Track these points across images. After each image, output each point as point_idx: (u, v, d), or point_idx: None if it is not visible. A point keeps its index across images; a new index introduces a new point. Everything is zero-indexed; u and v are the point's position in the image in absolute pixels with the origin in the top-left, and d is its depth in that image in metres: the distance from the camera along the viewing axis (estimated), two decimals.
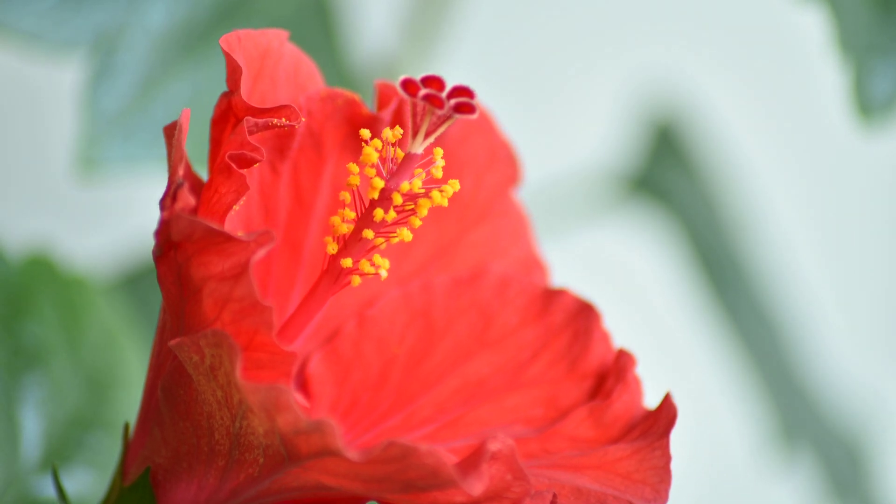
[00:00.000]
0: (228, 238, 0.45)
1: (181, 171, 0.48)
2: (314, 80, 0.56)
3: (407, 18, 1.14)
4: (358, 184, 0.52)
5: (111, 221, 1.18)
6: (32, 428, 0.69)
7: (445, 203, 0.52)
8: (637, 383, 0.54)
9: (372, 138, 0.53)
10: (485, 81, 1.40)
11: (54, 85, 0.98)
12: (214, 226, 0.46)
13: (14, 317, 0.70)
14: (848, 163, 1.57)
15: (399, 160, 0.52)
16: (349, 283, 0.52)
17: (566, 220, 1.22)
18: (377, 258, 0.53)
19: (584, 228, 1.25)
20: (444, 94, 0.51)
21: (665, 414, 0.52)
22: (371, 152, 0.52)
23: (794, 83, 1.55)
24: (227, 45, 0.51)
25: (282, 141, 0.55)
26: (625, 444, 0.52)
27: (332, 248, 0.52)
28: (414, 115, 0.52)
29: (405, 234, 0.52)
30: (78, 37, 0.75)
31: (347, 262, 0.52)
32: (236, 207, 0.50)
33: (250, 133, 0.50)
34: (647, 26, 1.53)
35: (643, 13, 1.53)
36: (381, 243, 0.53)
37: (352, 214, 0.53)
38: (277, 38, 0.54)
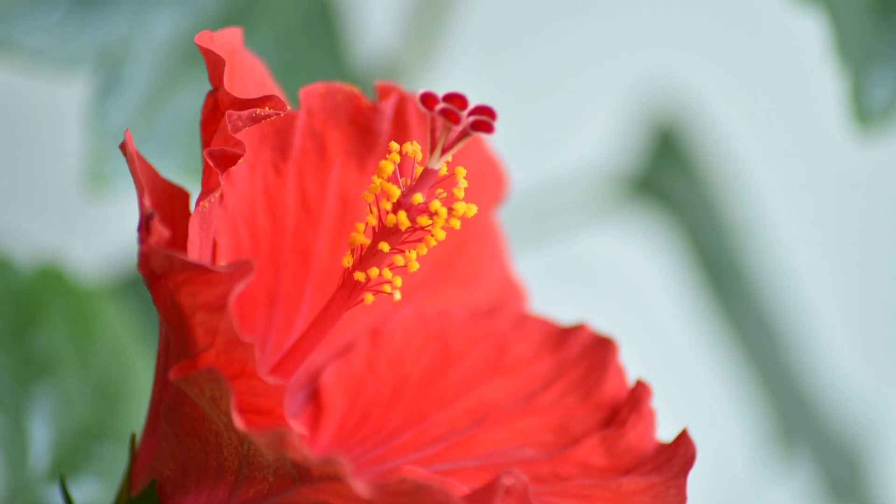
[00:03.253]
0: (209, 270, 0.45)
1: (147, 200, 0.48)
2: (266, 76, 0.56)
3: (409, 21, 1.14)
4: (377, 194, 0.52)
5: (114, 224, 1.19)
6: (41, 437, 0.69)
7: (458, 225, 0.52)
8: (651, 414, 0.54)
9: (390, 152, 0.52)
10: (486, 82, 1.40)
11: (64, 99, 0.98)
12: (191, 260, 0.45)
13: (24, 327, 0.70)
14: (848, 167, 1.58)
15: (417, 174, 0.52)
16: (363, 300, 0.52)
17: (567, 221, 1.22)
18: (387, 273, 0.52)
19: (584, 229, 1.25)
20: (464, 112, 0.51)
21: (683, 451, 0.52)
22: (387, 165, 0.52)
23: (794, 88, 1.55)
24: (204, 42, 0.51)
25: (282, 139, 0.55)
26: (638, 477, 0.52)
27: (348, 261, 0.52)
28: (433, 129, 0.52)
29: (421, 250, 0.52)
30: (84, 52, 0.75)
31: (360, 276, 0.52)
32: (206, 204, 0.50)
33: (236, 129, 0.50)
34: (648, 30, 1.53)
35: (645, 17, 1.53)
36: (400, 261, 0.52)
37: (373, 220, 0.52)
38: (237, 37, 0.53)
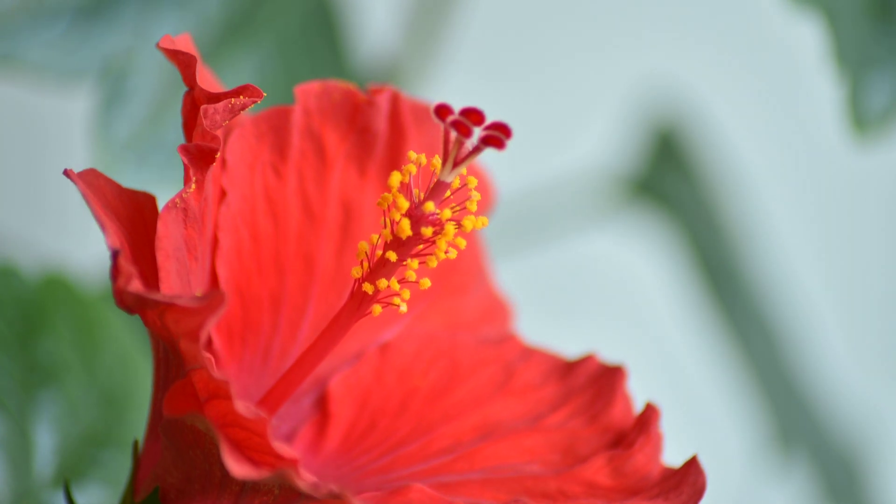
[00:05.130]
0: (180, 306, 0.45)
1: (110, 239, 0.47)
2: (216, 82, 0.56)
3: (410, 23, 1.14)
4: (388, 204, 0.52)
5: None
6: (46, 443, 0.70)
7: (463, 242, 0.52)
8: (659, 438, 0.53)
9: (405, 163, 0.52)
10: (487, 84, 1.41)
11: (71, 108, 0.99)
12: (161, 299, 0.45)
13: (30, 334, 0.70)
14: (847, 170, 1.58)
15: (430, 186, 0.52)
16: (371, 312, 0.52)
17: (567, 223, 1.22)
18: (395, 285, 0.52)
19: (584, 231, 1.26)
20: (479, 127, 0.51)
21: (692, 480, 0.51)
22: (398, 176, 0.52)
23: (793, 92, 1.55)
24: (167, 44, 0.50)
25: (280, 138, 0.55)
26: (645, 501, 0.51)
27: (357, 272, 0.52)
28: (445, 141, 0.51)
29: (431, 263, 0.52)
30: (87, 64, 0.75)
31: (369, 288, 0.52)
32: (179, 201, 0.49)
33: (214, 124, 0.49)
34: (649, 34, 1.53)
35: (646, 21, 1.54)
36: (412, 275, 0.52)
37: (388, 234, 0.52)
38: (191, 41, 0.53)
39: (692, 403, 1.47)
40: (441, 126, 0.51)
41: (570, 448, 0.54)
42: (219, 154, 0.50)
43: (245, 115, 0.56)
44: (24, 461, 0.69)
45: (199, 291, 0.51)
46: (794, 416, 1.15)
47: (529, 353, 0.58)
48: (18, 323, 0.70)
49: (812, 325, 1.38)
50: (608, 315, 1.53)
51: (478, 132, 0.51)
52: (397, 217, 0.51)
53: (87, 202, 0.48)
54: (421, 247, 0.52)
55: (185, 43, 0.52)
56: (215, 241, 0.54)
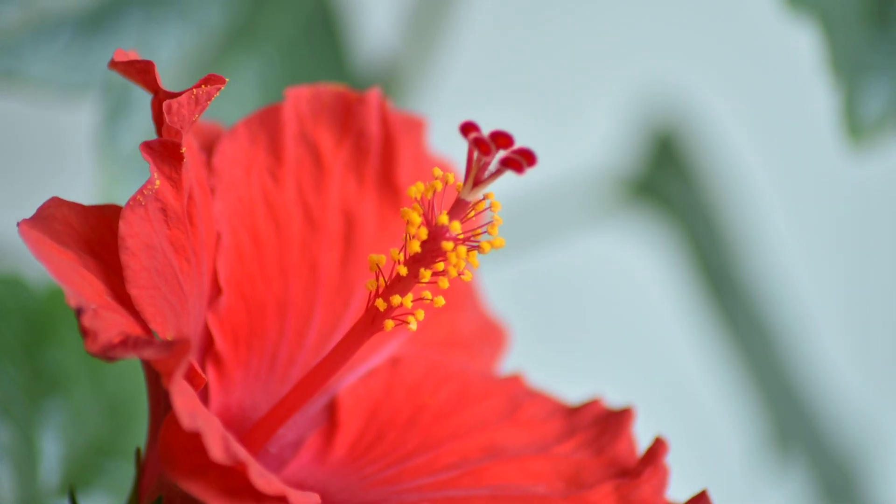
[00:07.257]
0: (144, 357, 0.44)
1: (71, 298, 0.45)
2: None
3: (411, 26, 1.14)
4: (409, 219, 0.51)
5: None
6: (52, 451, 0.70)
7: (477, 265, 0.52)
8: (666, 472, 0.53)
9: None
10: (487, 87, 1.41)
11: (77, 120, 0.99)
12: (128, 354, 0.44)
13: (36, 343, 0.71)
14: (846, 174, 1.58)
15: (452, 205, 0.51)
16: (383, 327, 0.52)
17: (567, 224, 1.23)
18: (408, 302, 0.52)
19: (584, 232, 1.26)
20: (504, 150, 0.50)
21: None
22: (417, 190, 0.51)
23: (791, 96, 1.55)
24: (121, 57, 0.50)
25: (273, 140, 0.55)
26: None
27: (372, 285, 0.52)
28: (469, 161, 0.51)
29: (443, 283, 0.52)
30: (90, 77, 0.75)
31: (381, 305, 0.51)
32: (140, 199, 0.48)
33: (182, 118, 0.48)
34: (650, 38, 1.53)
35: (646, 25, 1.54)
36: (427, 294, 0.52)
37: (398, 254, 0.51)
38: (137, 55, 0.52)
39: (690, 404, 1.47)
40: (465, 143, 0.51)
41: (575, 476, 0.54)
42: (184, 149, 0.48)
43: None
44: (30, 469, 0.69)
45: (182, 328, 0.50)
46: (792, 417, 1.15)
47: (534, 393, 0.58)
48: (25, 332, 0.70)
49: (809, 327, 1.38)
50: (606, 316, 1.53)
51: (494, 149, 0.50)
52: (415, 232, 0.51)
53: (41, 260, 0.46)
54: (441, 266, 0.51)
55: (136, 54, 0.51)
56: (214, 243, 0.54)
